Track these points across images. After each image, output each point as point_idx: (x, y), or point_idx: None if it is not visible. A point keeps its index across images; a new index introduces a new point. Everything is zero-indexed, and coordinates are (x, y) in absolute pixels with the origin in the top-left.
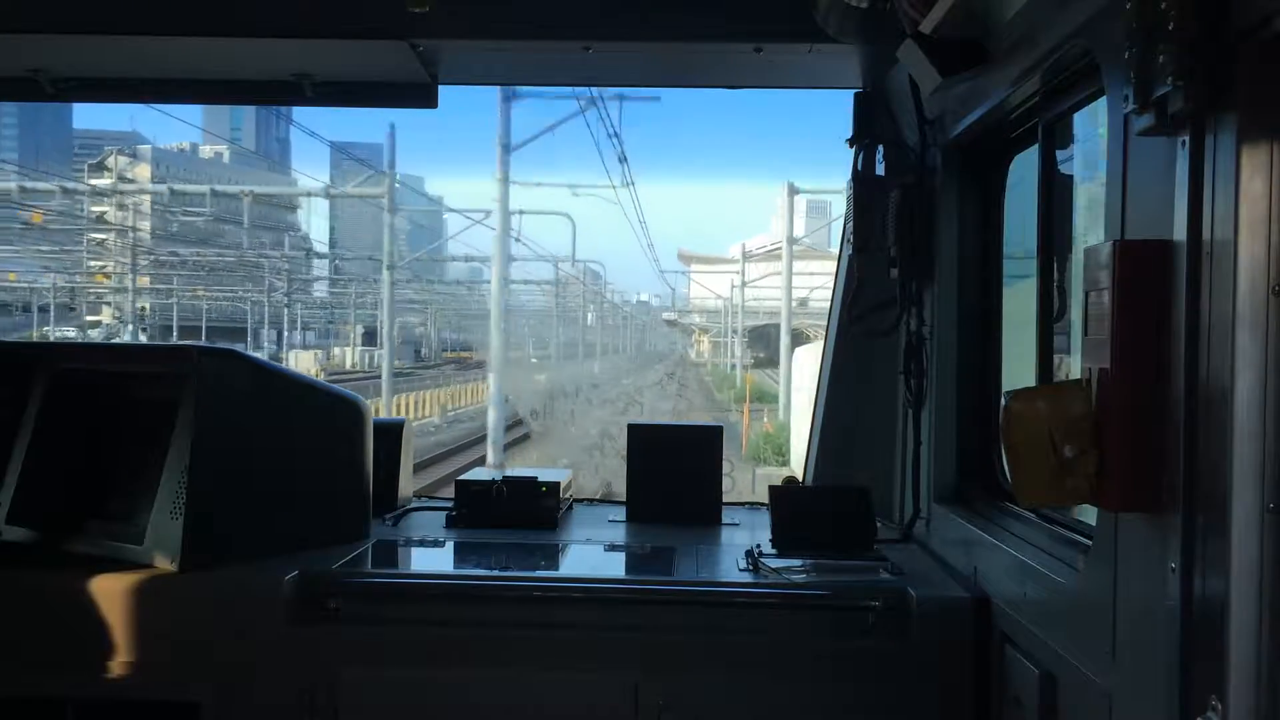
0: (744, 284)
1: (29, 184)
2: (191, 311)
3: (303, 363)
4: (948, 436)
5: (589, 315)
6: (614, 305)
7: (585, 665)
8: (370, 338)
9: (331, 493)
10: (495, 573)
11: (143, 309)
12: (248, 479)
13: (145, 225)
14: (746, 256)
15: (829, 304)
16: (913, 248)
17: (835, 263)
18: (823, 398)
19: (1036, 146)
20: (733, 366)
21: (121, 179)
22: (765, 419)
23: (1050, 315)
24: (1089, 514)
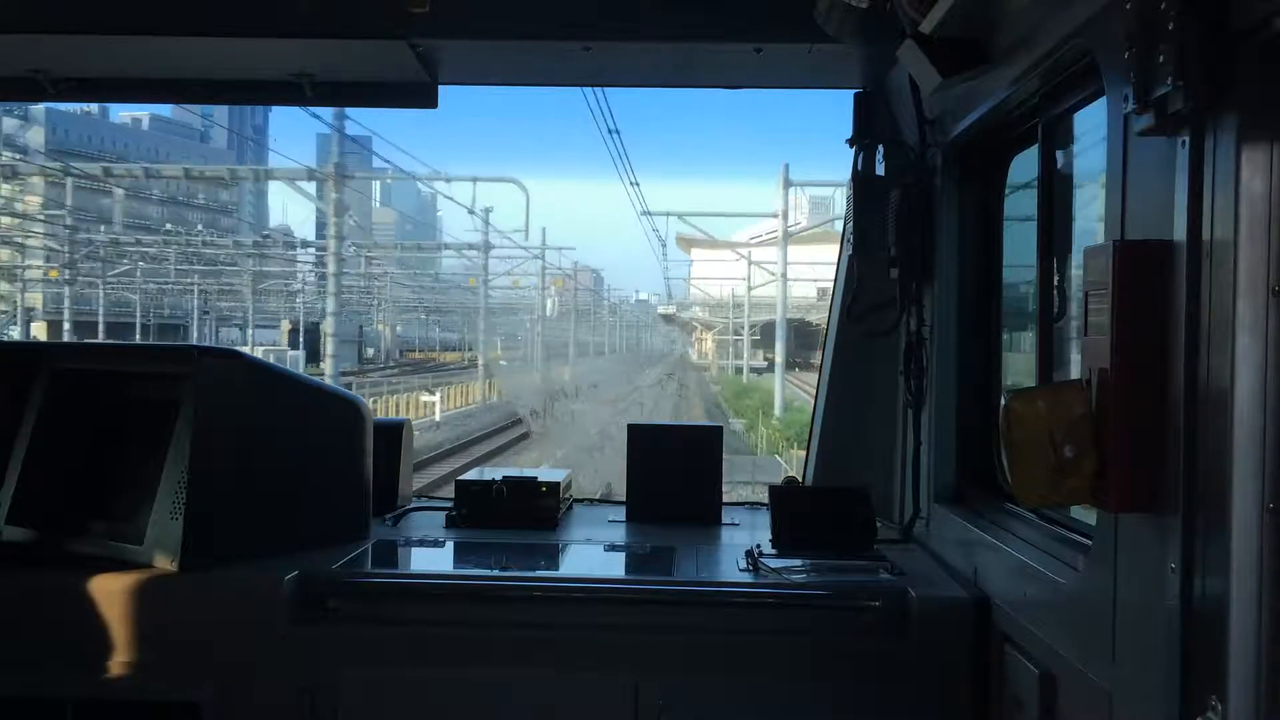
0: (788, 232)
1: None
2: (108, 304)
3: None
4: (948, 436)
5: (549, 304)
6: (600, 297)
7: (585, 665)
8: (297, 337)
9: (331, 493)
10: (495, 573)
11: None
12: (248, 479)
13: (35, 200)
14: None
15: (829, 303)
16: (912, 248)
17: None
18: (823, 398)
19: (1036, 146)
20: (758, 371)
21: (9, 146)
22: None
23: (1050, 315)
24: (1089, 514)
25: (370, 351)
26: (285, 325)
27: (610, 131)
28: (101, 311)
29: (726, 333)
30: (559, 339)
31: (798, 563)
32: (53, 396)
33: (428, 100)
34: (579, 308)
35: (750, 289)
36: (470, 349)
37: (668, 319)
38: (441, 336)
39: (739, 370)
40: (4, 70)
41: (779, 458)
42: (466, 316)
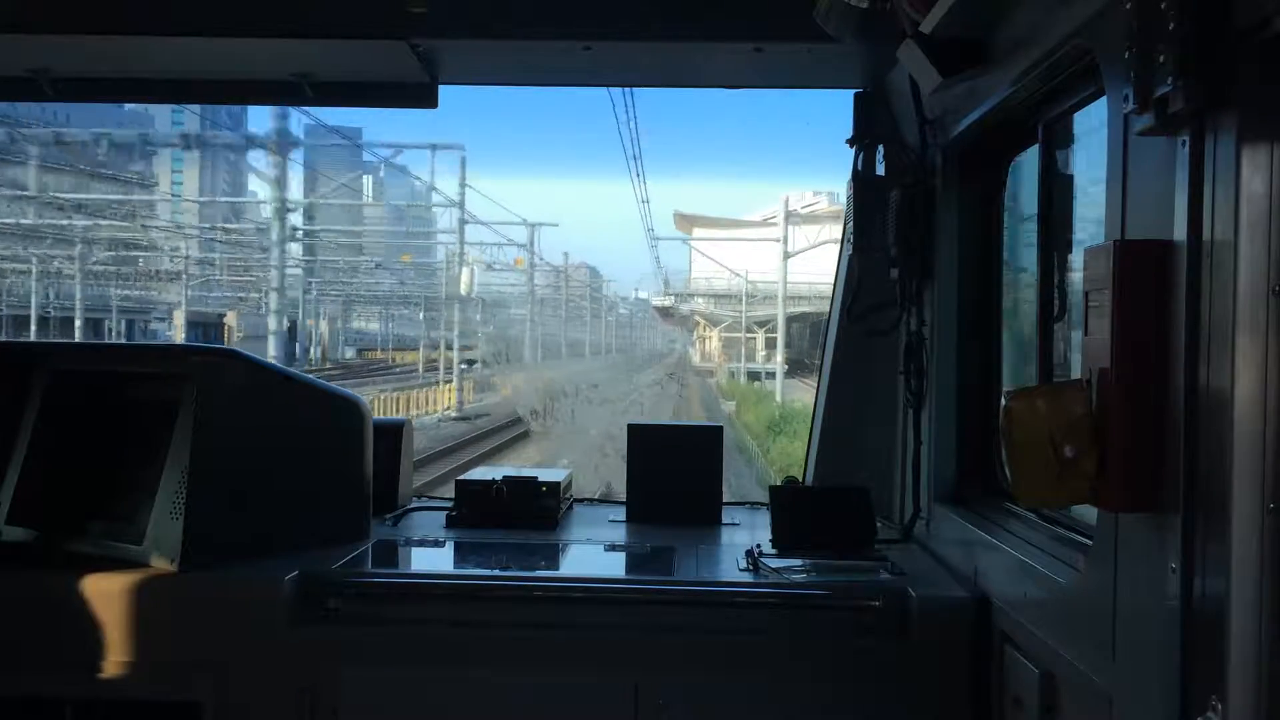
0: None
1: None
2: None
3: None
4: (948, 436)
5: (466, 274)
6: (559, 272)
7: (585, 665)
8: (208, 333)
9: (331, 493)
10: (495, 573)
11: None
12: (248, 479)
13: None
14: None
15: (829, 303)
16: (912, 248)
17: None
18: (823, 398)
19: (1036, 146)
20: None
21: None
22: None
23: (1050, 315)
24: (1089, 514)
25: (316, 352)
26: (178, 319)
27: (634, 147)
28: None
29: (736, 329)
30: (522, 335)
31: (798, 562)
32: (52, 396)
33: (428, 100)
34: (537, 290)
35: (787, 255)
36: (426, 346)
37: (664, 313)
38: (412, 333)
39: (753, 376)
40: (4, 70)
41: None
42: (428, 309)
